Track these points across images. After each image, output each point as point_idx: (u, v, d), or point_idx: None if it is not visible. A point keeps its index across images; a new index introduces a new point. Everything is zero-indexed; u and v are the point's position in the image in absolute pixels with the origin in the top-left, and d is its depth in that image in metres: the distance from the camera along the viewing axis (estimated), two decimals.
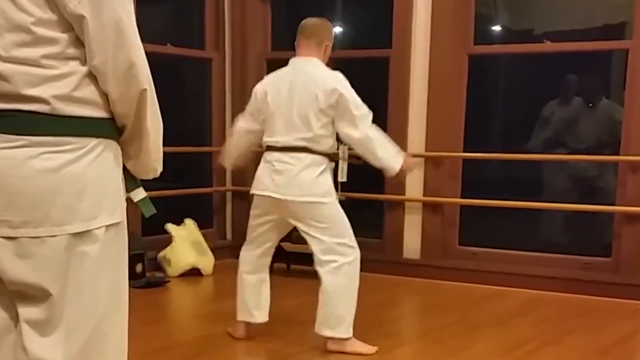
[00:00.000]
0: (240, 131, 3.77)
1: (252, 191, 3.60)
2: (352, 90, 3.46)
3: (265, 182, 3.51)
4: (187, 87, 6.59)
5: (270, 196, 3.49)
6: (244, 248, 3.72)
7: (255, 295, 3.68)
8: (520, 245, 5.29)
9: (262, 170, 3.56)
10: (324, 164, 3.49)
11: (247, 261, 3.70)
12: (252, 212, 3.64)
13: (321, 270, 3.49)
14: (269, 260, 3.74)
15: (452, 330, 4.00)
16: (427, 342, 3.84)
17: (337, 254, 3.46)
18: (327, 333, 3.49)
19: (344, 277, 3.48)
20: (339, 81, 3.45)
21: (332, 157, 3.57)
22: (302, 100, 3.44)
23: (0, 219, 1.49)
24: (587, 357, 3.55)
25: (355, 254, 3.51)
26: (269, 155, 3.53)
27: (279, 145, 3.49)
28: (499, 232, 5.71)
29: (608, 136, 5.65)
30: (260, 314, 3.70)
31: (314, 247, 3.51)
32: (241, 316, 3.71)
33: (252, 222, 3.66)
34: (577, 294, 4.75)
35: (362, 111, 3.44)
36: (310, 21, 3.61)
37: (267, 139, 3.56)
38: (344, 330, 3.49)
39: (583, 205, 5.27)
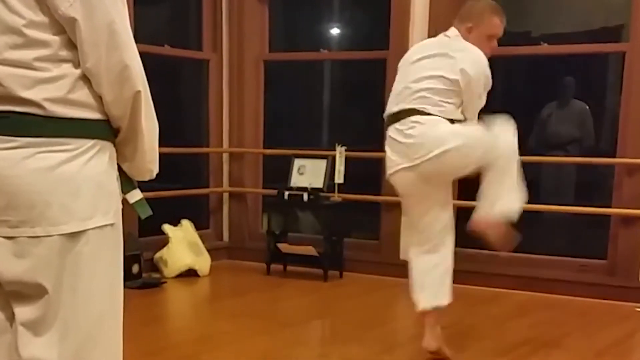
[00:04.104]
0: None
1: (387, 173, 3.41)
2: (482, 77, 3.42)
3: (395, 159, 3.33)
4: (184, 88, 6.59)
5: (404, 167, 3.32)
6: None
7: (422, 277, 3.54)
8: (517, 247, 5.27)
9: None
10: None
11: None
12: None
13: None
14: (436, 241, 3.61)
15: (448, 332, 4.00)
16: None
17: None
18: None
19: None
20: (472, 64, 3.39)
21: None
22: (430, 69, 3.32)
23: (0, 219, 1.50)
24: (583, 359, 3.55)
25: None
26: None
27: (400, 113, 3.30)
28: None
29: (604, 138, 5.66)
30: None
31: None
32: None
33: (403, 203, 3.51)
34: (573, 296, 4.76)
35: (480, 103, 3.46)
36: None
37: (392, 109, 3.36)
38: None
39: (579, 207, 5.27)
